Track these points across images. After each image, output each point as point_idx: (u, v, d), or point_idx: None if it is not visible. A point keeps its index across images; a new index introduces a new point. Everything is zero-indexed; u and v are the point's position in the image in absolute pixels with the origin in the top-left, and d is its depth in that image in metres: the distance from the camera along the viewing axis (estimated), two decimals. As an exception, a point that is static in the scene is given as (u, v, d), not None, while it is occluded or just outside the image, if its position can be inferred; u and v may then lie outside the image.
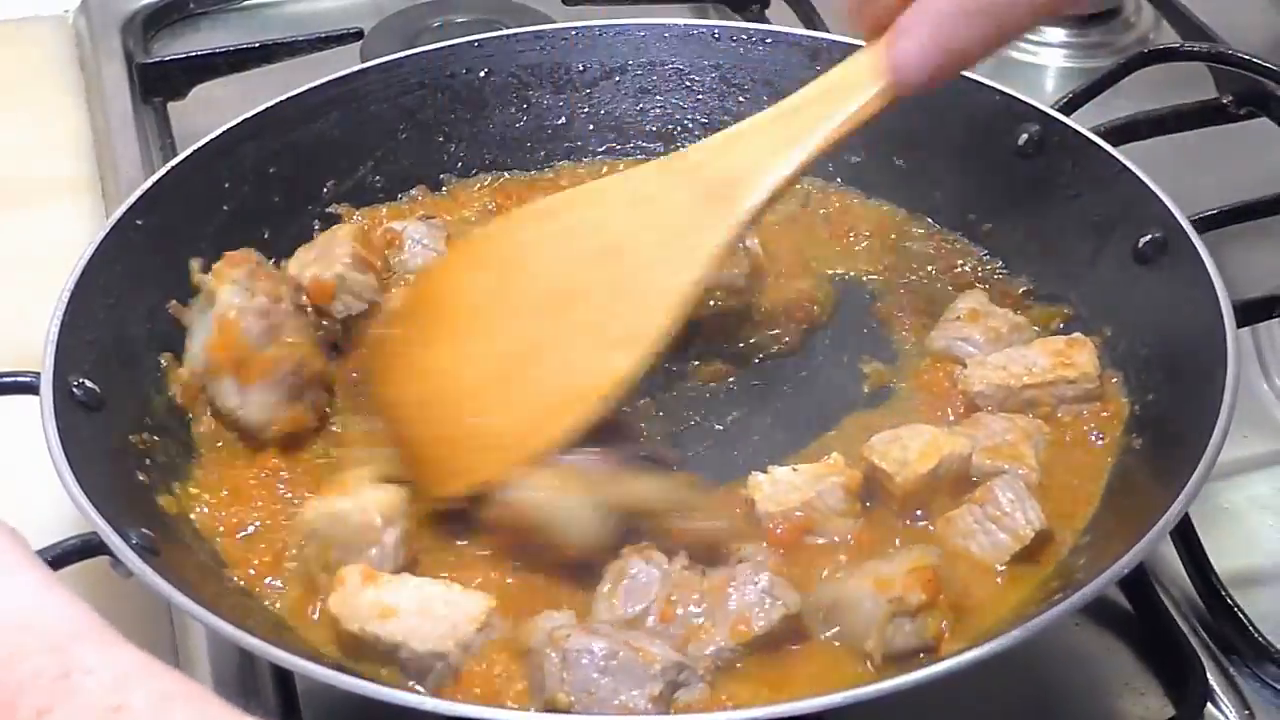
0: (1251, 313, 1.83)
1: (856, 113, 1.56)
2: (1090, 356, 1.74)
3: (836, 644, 1.49)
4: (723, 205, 1.56)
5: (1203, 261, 1.69)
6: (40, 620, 1.18)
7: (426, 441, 1.61)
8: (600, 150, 2.16)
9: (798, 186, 2.04)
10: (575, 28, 2.16)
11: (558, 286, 1.59)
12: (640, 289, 1.56)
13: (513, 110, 2.13)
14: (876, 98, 1.55)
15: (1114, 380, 1.75)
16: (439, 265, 1.80)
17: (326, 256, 1.82)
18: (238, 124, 1.94)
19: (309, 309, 1.79)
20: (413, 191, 2.06)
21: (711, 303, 1.83)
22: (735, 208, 1.56)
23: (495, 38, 2.14)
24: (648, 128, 2.13)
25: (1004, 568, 1.55)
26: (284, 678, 1.55)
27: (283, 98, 1.99)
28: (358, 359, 1.79)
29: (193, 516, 1.64)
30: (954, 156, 2.00)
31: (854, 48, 2.04)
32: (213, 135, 1.92)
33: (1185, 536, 1.68)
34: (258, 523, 1.64)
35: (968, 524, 1.58)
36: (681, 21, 2.18)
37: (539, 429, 1.54)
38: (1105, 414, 1.72)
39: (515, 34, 2.15)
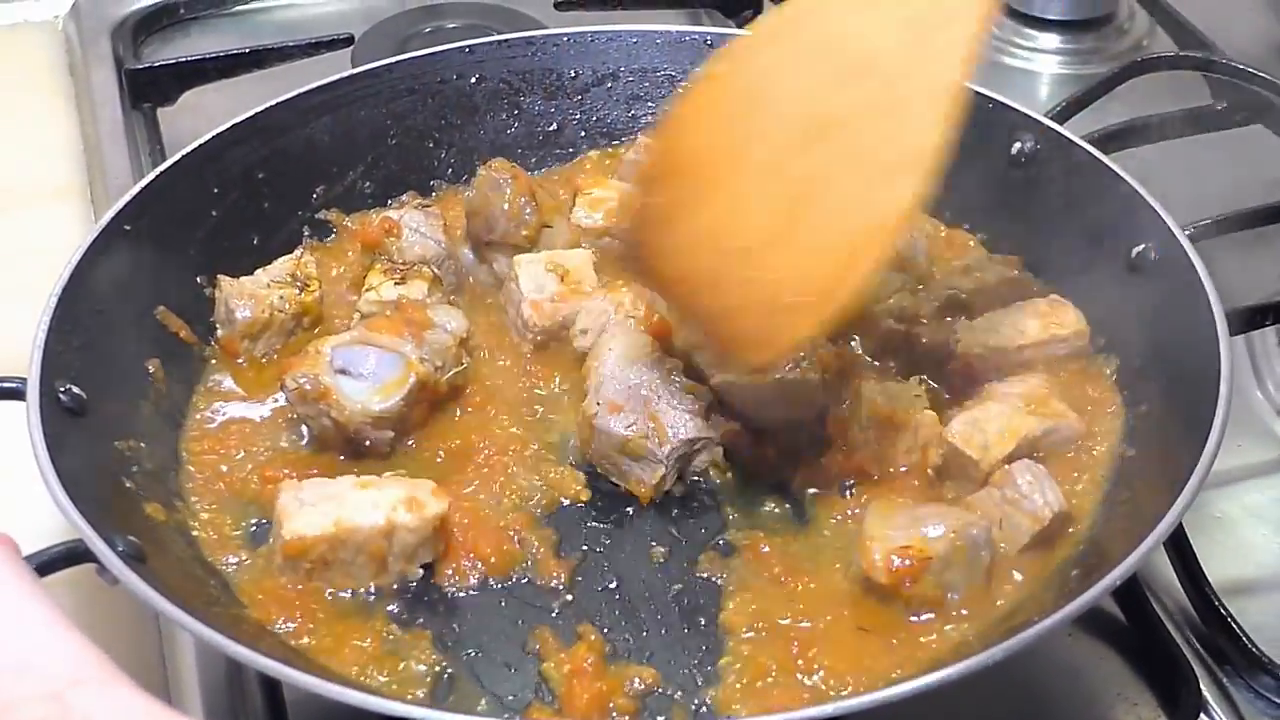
0: (1245, 321, 1.83)
1: None
2: (1075, 314, 1.77)
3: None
4: None
5: (1196, 270, 1.69)
6: (40, 663, 1.17)
7: (722, 312, 1.51)
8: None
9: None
10: (567, 34, 2.16)
11: (812, 114, 1.43)
12: (902, 101, 1.41)
13: (504, 116, 2.13)
14: None
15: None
16: (676, 118, 1.57)
17: (256, 299, 1.84)
18: (227, 129, 1.94)
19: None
20: (403, 197, 2.05)
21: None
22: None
23: (486, 44, 2.14)
24: (640, 134, 2.12)
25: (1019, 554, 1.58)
26: (271, 685, 1.55)
27: (272, 103, 1.99)
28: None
29: (195, 533, 1.64)
30: (948, 164, 1.99)
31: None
32: (202, 140, 1.92)
33: (1179, 546, 1.67)
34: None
35: (987, 508, 1.59)
36: (674, 28, 2.18)
37: (839, 277, 1.42)
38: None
39: (507, 40, 2.15)
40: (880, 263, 1.43)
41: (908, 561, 1.50)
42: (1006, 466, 1.60)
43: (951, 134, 1.40)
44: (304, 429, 1.75)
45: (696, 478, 1.71)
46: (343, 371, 1.71)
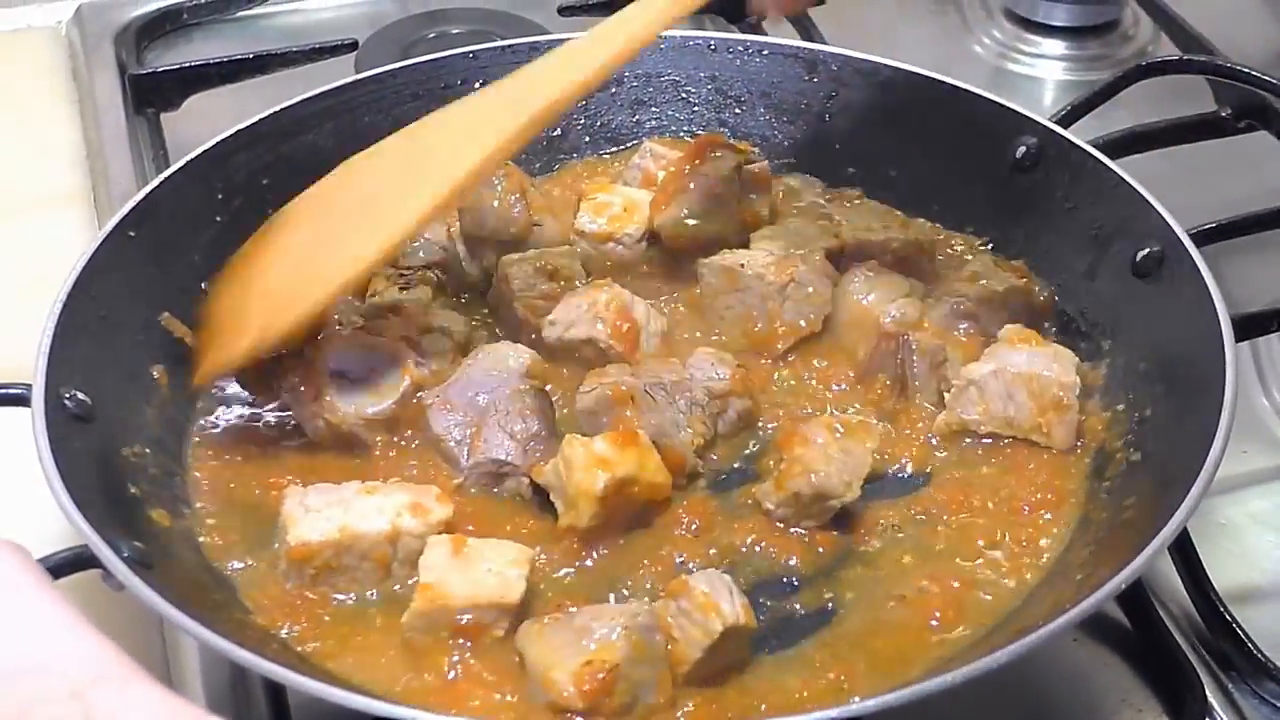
0: (1250, 327, 1.83)
1: (564, 94, 1.75)
2: (1070, 365, 1.75)
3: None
4: (512, 109, 1.73)
5: (1201, 275, 1.69)
6: (60, 662, 1.17)
7: (213, 317, 1.76)
8: (596, 162, 2.16)
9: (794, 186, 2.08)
10: (571, 39, 2.15)
11: (373, 191, 1.76)
12: (382, 212, 1.73)
13: (508, 121, 2.12)
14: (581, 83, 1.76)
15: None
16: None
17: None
18: (231, 135, 1.94)
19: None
20: (407, 202, 2.05)
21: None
22: (518, 110, 1.73)
23: (490, 49, 2.14)
24: (644, 139, 2.12)
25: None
26: (276, 691, 1.54)
27: (276, 109, 1.99)
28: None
29: (201, 539, 1.63)
30: (952, 169, 2.00)
31: (851, 59, 2.06)
32: (206, 146, 1.92)
33: (1184, 552, 1.67)
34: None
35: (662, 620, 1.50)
36: (678, 33, 2.18)
37: (274, 315, 1.70)
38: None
39: (510, 45, 2.15)
40: (311, 314, 1.71)
41: (600, 675, 1.43)
42: (684, 578, 1.51)
43: (394, 250, 1.76)
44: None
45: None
46: (338, 374, 1.72)
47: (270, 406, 1.79)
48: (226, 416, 1.78)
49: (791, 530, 1.64)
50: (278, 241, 1.78)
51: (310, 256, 1.74)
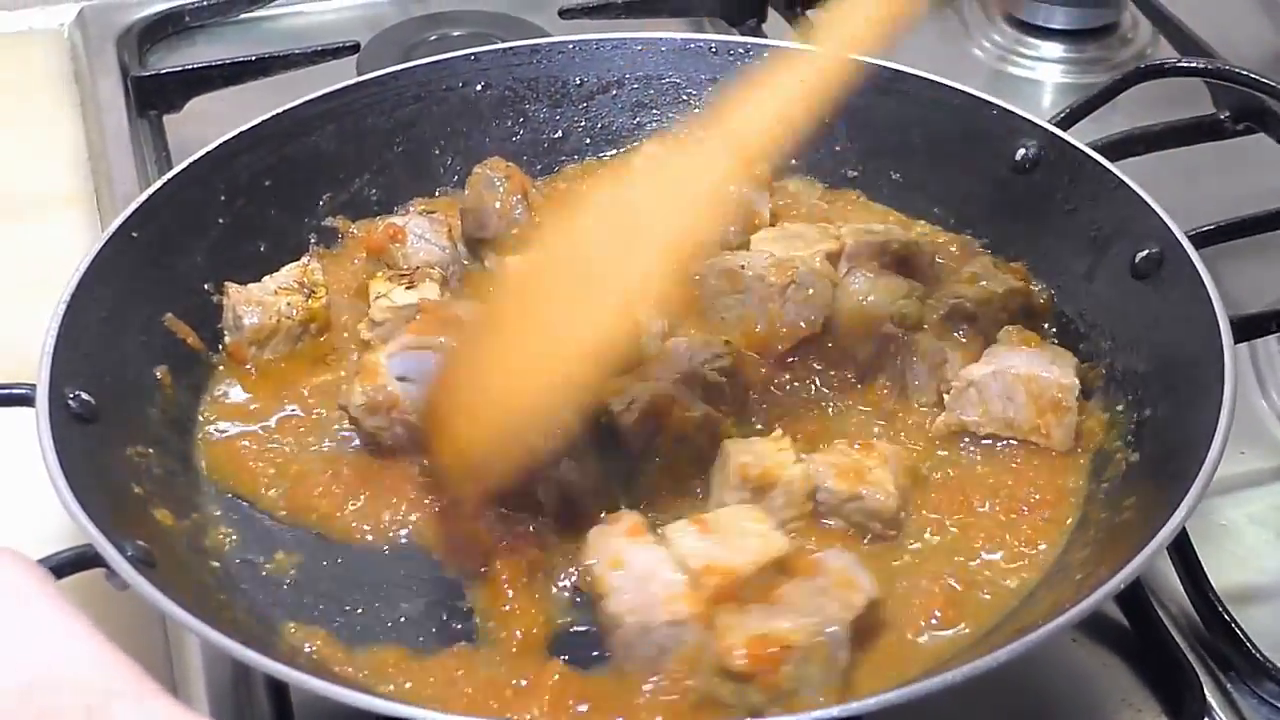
0: (1249, 328, 1.83)
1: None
2: (1071, 368, 1.75)
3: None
4: (726, 150, 1.55)
5: (1200, 276, 1.69)
6: (75, 675, 1.16)
7: (465, 436, 1.58)
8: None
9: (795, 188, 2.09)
10: (572, 41, 2.17)
11: (589, 268, 1.56)
12: (644, 245, 1.54)
13: (509, 123, 2.13)
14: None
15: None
16: (504, 273, 1.79)
17: (264, 306, 1.84)
18: (233, 137, 1.94)
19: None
20: (409, 204, 2.05)
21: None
22: (735, 150, 1.55)
23: (491, 51, 2.14)
24: (644, 141, 2.12)
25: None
26: (279, 690, 1.55)
27: (278, 111, 1.99)
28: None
29: (205, 539, 1.64)
30: (951, 171, 2.00)
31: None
32: (208, 148, 1.92)
33: (1183, 552, 1.67)
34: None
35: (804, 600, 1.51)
36: (678, 36, 2.19)
37: (550, 395, 1.53)
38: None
39: (511, 48, 2.15)
40: (587, 386, 1.54)
41: (772, 650, 1.42)
42: (814, 556, 1.54)
43: (678, 279, 1.56)
44: (324, 442, 1.75)
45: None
46: (403, 379, 1.71)
47: (271, 408, 1.80)
48: (228, 418, 1.79)
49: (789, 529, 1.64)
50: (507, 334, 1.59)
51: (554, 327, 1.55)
